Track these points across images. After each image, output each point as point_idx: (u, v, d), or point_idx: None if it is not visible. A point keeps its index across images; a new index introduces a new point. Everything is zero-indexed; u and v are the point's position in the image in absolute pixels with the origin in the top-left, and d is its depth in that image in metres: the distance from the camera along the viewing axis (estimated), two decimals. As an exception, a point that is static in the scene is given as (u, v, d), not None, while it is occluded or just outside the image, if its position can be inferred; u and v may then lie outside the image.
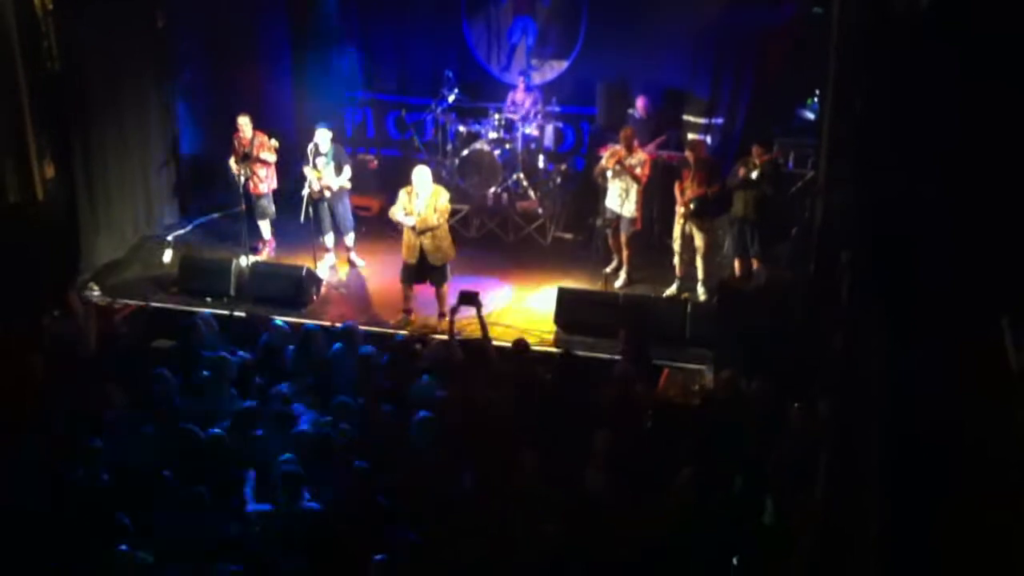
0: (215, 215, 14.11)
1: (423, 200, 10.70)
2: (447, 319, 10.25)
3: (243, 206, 12.44)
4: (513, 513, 6.82)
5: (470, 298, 9.76)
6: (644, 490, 7.17)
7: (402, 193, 10.88)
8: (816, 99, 12.17)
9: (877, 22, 4.83)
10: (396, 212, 10.84)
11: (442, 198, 10.80)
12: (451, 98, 13.86)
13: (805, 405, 7.39)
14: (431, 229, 10.70)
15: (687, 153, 11.43)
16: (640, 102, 13.13)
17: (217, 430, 7.87)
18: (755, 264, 11.13)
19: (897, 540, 3.51)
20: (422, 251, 10.81)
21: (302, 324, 10.44)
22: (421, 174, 10.82)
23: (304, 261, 12.05)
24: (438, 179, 13.00)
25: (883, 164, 4.44)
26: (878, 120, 4.57)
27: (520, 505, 6.90)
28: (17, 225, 11.11)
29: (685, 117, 13.59)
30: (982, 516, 3.04)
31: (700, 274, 11.55)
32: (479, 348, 9.41)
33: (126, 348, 9.89)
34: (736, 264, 11.40)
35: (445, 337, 10.18)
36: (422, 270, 10.95)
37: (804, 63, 11.58)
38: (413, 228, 10.70)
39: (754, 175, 10.88)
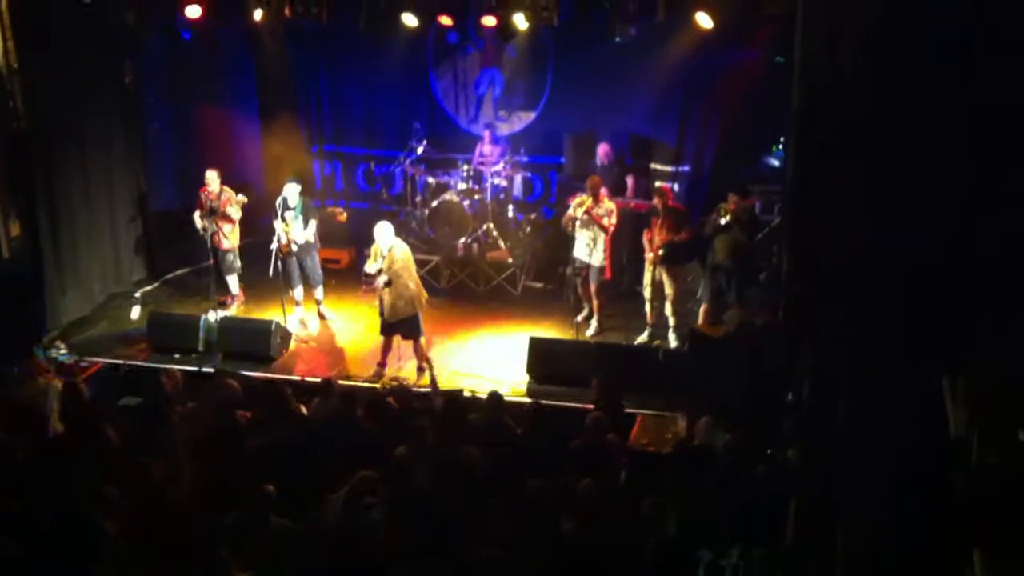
0: (183, 270, 14.04)
1: (376, 264, 10.70)
2: (426, 371, 10.29)
3: (211, 261, 12.41)
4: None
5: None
6: (619, 537, 7.09)
7: (372, 248, 10.85)
8: (780, 146, 12.29)
9: (832, 74, 4.91)
10: (368, 264, 10.84)
11: (396, 252, 10.67)
12: (419, 150, 13.92)
13: (775, 452, 7.38)
14: (388, 283, 10.63)
15: (655, 200, 11.47)
16: (602, 149, 13.22)
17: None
18: (733, 310, 11.11)
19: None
20: (382, 304, 10.80)
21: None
22: (378, 231, 10.77)
23: (273, 315, 12.00)
24: (408, 231, 13.03)
25: (841, 213, 4.49)
26: (835, 170, 4.63)
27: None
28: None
29: (653, 165, 13.69)
30: (934, 561, 3.06)
31: (671, 321, 11.56)
32: (458, 399, 9.35)
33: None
34: (702, 311, 11.41)
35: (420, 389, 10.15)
36: (390, 324, 10.90)
37: (768, 111, 11.69)
38: (378, 276, 10.66)
39: (723, 221, 10.92)
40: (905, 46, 4.32)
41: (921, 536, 3.25)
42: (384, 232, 10.72)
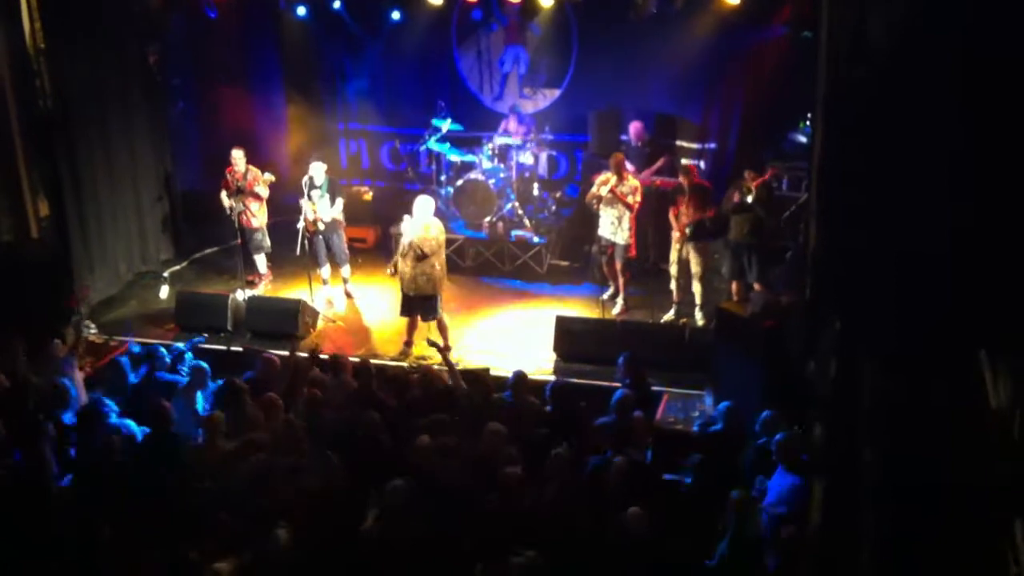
0: (210, 250, 14.12)
1: (410, 231, 10.63)
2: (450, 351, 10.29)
3: (238, 240, 12.46)
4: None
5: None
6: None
7: (403, 223, 10.83)
8: (807, 123, 12.19)
9: (857, 46, 4.88)
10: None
11: (432, 230, 10.66)
12: (444, 128, 13.90)
13: (801, 430, 7.37)
14: (418, 257, 10.61)
15: (680, 179, 11.43)
16: (633, 128, 13.10)
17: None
18: (755, 288, 11.10)
19: (888, 565, 3.50)
20: (403, 278, 10.77)
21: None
22: (417, 204, 10.74)
23: (300, 294, 12.05)
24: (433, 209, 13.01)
25: (869, 189, 4.46)
26: (863, 146, 4.60)
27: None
28: (12, 263, 11.10)
29: (678, 142, 13.63)
30: (965, 538, 3.05)
31: (697, 299, 11.54)
32: (482, 379, 9.34)
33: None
34: (733, 288, 11.39)
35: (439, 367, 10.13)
36: (409, 301, 10.90)
37: (795, 87, 11.61)
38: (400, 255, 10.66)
39: (749, 199, 10.87)
40: (933, 20, 4.28)
41: (949, 515, 3.24)
42: (425, 207, 10.68)
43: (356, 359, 9.84)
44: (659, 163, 12.94)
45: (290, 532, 6.48)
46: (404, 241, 10.62)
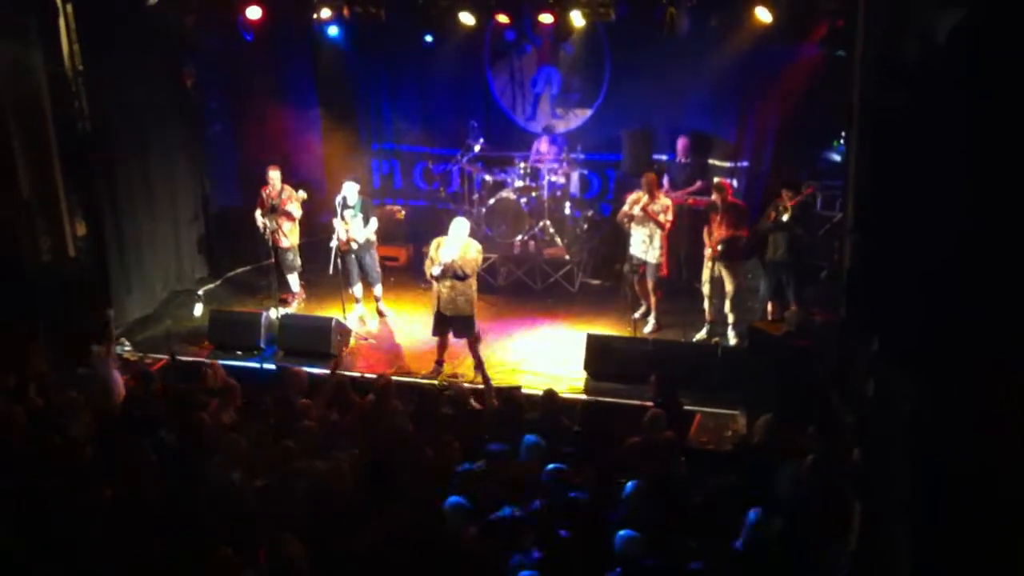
0: (244, 268, 14.22)
1: (449, 252, 10.67)
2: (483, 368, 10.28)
3: (272, 259, 12.54)
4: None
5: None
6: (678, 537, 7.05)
7: (433, 243, 10.87)
8: (842, 141, 12.13)
9: (891, 65, 4.86)
10: (427, 265, 10.87)
11: (471, 251, 10.73)
12: (477, 148, 13.94)
13: (838, 450, 7.30)
14: (458, 277, 10.64)
15: (714, 196, 11.39)
16: (680, 144, 13.09)
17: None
18: (792, 307, 11.01)
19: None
20: (439, 299, 10.80)
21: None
22: (454, 225, 10.81)
23: (333, 313, 12.10)
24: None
25: (904, 207, 4.43)
26: (898, 164, 4.57)
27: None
28: (49, 282, 11.21)
29: (711, 161, 13.57)
30: (1009, 560, 3.01)
31: (730, 318, 11.49)
32: (513, 397, 9.34)
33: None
34: (770, 307, 11.31)
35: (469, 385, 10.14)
36: (444, 320, 10.92)
37: (829, 105, 11.55)
38: (435, 277, 10.69)
39: (785, 218, 10.81)
40: (968, 38, 4.26)
41: (993, 536, 3.20)
42: (461, 228, 10.73)
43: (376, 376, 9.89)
44: (696, 186, 12.92)
45: (303, 543, 6.49)
46: (444, 262, 10.60)
